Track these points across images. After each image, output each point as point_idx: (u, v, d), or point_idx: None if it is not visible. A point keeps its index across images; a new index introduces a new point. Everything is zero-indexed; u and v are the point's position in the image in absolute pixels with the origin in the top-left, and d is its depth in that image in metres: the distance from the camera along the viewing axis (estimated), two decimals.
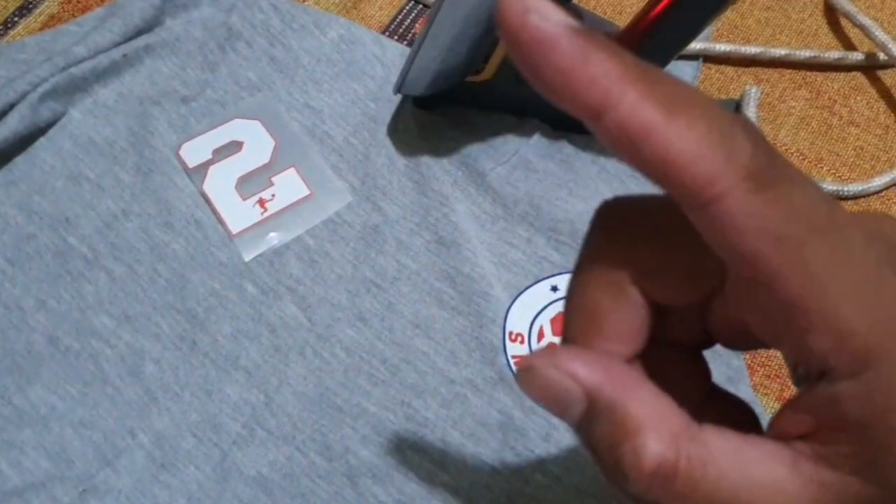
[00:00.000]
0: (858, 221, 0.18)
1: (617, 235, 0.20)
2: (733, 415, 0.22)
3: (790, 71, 0.47)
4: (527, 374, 0.19)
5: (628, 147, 0.16)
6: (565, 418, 0.19)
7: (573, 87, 0.16)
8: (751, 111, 0.44)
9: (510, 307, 0.39)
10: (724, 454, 0.18)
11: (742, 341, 0.20)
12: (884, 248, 0.17)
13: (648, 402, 0.18)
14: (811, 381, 0.18)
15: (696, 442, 0.18)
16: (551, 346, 0.20)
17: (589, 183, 0.42)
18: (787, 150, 0.45)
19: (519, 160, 0.43)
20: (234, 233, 0.41)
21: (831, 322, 0.16)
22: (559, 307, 0.39)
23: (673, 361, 0.21)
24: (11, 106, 0.41)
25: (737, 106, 0.45)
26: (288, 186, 0.42)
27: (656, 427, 0.18)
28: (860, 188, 0.43)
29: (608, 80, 0.16)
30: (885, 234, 0.18)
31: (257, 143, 0.43)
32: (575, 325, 0.20)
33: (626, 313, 0.20)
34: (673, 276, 0.19)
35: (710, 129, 0.16)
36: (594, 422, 0.19)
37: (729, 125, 0.16)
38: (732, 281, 0.18)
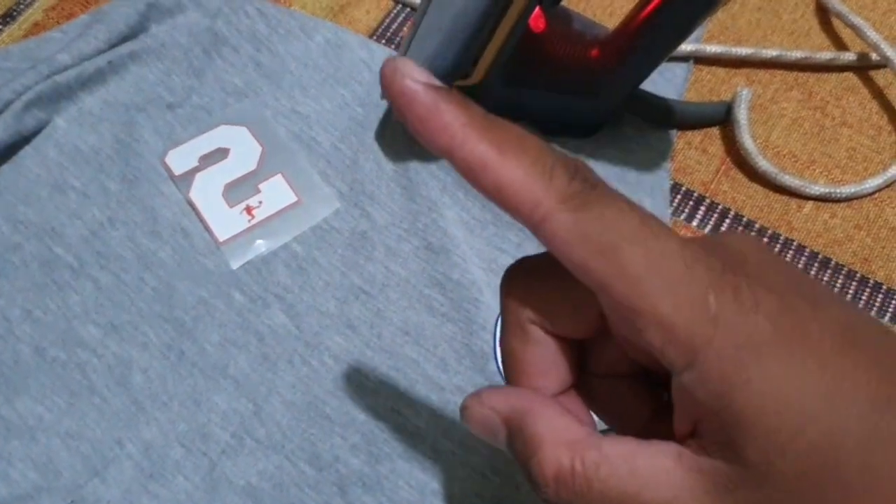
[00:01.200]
0: (690, 238, 0.21)
1: (517, 286, 0.24)
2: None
3: (782, 72, 0.47)
4: (464, 412, 0.24)
5: (473, 179, 0.20)
6: (498, 445, 0.23)
7: (429, 132, 0.20)
8: (742, 113, 0.44)
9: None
10: (616, 456, 0.20)
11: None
12: (700, 250, 0.20)
13: (550, 422, 0.22)
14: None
15: (592, 449, 0.21)
16: (483, 388, 0.24)
17: None
18: (779, 151, 0.45)
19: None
20: (221, 240, 0.40)
21: (655, 318, 0.19)
22: None
23: (614, 388, 0.24)
24: None
25: (728, 108, 0.45)
26: (275, 193, 0.41)
27: (554, 441, 0.21)
28: (853, 190, 0.43)
29: (455, 127, 0.20)
30: (718, 242, 0.21)
31: (244, 150, 0.42)
32: (505, 368, 0.24)
33: (534, 351, 0.23)
34: (563, 312, 0.23)
35: (533, 164, 0.20)
36: (513, 444, 0.22)
37: (551, 161, 0.20)
38: (602, 304, 0.21)
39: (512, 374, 0.24)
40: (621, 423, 0.25)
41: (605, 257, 0.19)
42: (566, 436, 0.21)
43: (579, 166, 0.20)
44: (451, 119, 0.20)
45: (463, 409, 0.24)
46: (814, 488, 0.18)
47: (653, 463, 0.20)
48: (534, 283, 0.23)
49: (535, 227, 0.20)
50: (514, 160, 0.20)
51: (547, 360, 0.23)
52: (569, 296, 0.22)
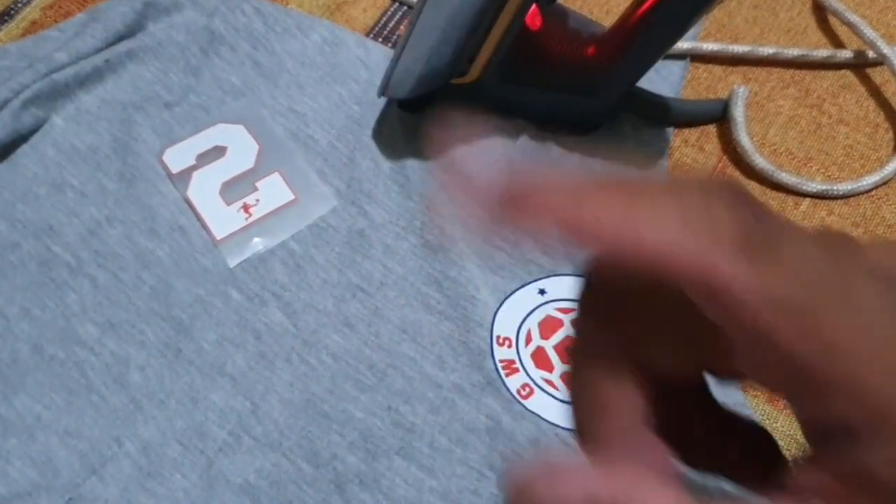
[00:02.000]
0: (861, 262, 0.17)
1: (608, 318, 0.19)
2: (753, 445, 0.21)
3: (778, 70, 0.47)
4: (526, 495, 0.17)
5: (623, 258, 0.16)
6: None
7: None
8: (739, 110, 0.44)
9: (497, 311, 0.39)
10: None
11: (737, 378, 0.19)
12: (890, 289, 0.16)
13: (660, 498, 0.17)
14: (833, 438, 0.16)
15: None
16: (551, 462, 0.18)
17: None
18: (776, 149, 0.45)
19: (505, 162, 0.43)
20: (218, 239, 0.40)
21: (846, 382, 0.15)
22: (547, 310, 0.39)
23: (678, 404, 0.20)
24: None
25: (725, 105, 0.45)
26: (272, 191, 0.41)
27: None
28: (850, 187, 0.43)
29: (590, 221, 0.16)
30: (889, 267, 0.17)
31: (241, 148, 0.42)
32: (582, 416, 0.19)
33: (628, 397, 0.19)
34: (670, 353, 0.19)
35: (685, 212, 0.15)
36: None
37: (703, 199, 0.16)
38: (739, 348, 0.17)
39: (591, 420, 0.19)
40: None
41: (795, 321, 0.15)
42: None
43: (737, 189, 0.16)
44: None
45: (521, 490, 0.17)
46: None
47: None
48: (632, 318, 0.19)
49: (703, 292, 0.15)
50: (658, 212, 0.15)
51: (639, 403, 0.19)
52: (677, 336, 0.18)
